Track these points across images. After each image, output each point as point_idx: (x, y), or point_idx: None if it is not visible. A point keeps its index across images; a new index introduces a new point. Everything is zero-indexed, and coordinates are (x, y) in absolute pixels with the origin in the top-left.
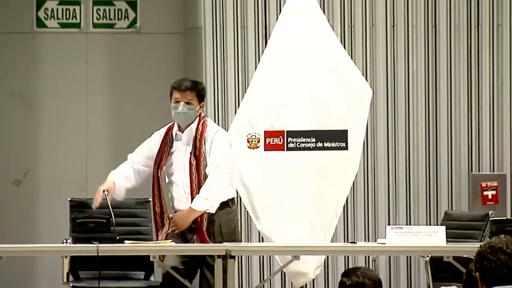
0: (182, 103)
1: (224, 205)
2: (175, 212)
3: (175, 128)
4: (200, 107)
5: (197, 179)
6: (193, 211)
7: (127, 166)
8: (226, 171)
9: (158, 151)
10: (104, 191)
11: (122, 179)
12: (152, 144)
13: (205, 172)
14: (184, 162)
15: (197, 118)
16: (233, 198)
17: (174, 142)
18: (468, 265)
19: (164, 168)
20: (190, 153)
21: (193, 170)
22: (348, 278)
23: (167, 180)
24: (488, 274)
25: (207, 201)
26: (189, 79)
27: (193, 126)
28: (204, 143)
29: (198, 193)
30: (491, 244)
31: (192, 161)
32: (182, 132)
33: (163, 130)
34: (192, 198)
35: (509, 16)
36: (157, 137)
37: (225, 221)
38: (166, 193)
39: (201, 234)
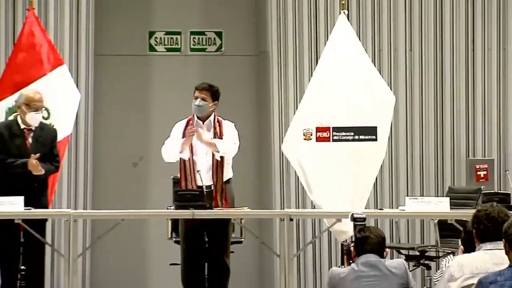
0: (199, 98)
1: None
2: (198, 186)
3: (195, 118)
4: (214, 104)
5: (220, 157)
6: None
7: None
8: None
9: (183, 136)
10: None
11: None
12: (179, 132)
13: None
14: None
15: (213, 113)
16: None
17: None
18: (465, 226)
19: (187, 149)
20: (211, 138)
21: None
22: (358, 233)
23: (190, 159)
24: (482, 234)
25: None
26: (208, 83)
27: (211, 118)
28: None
29: (221, 171)
30: (487, 212)
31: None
32: (203, 122)
33: (184, 121)
34: (213, 173)
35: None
36: (180, 126)
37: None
38: (187, 170)
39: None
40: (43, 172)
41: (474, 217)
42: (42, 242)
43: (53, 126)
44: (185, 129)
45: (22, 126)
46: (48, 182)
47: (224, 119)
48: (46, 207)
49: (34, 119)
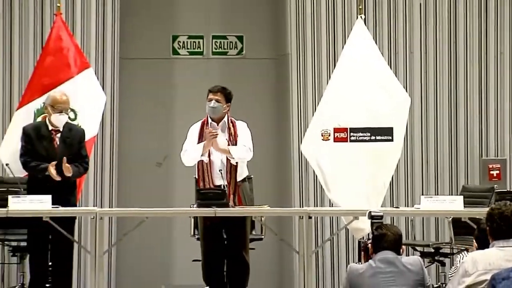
0: (213, 100)
1: (244, 180)
2: (214, 185)
3: (210, 120)
4: (227, 106)
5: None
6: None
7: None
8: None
9: (199, 138)
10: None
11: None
12: (195, 135)
13: None
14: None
15: (227, 115)
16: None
17: None
18: (479, 224)
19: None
20: (226, 139)
21: None
22: (375, 230)
23: (205, 160)
24: (495, 232)
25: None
26: (221, 85)
27: (225, 119)
28: (235, 131)
29: (235, 170)
30: (501, 210)
31: (230, 144)
32: (217, 124)
33: (198, 124)
34: (228, 173)
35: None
36: (195, 129)
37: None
38: (205, 170)
39: (240, 199)
40: (59, 179)
41: (488, 215)
42: (70, 240)
43: (80, 126)
44: (200, 131)
45: (50, 128)
46: (77, 182)
47: (237, 119)
48: (75, 206)
49: (58, 120)
